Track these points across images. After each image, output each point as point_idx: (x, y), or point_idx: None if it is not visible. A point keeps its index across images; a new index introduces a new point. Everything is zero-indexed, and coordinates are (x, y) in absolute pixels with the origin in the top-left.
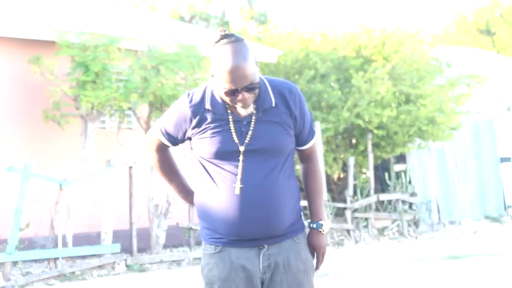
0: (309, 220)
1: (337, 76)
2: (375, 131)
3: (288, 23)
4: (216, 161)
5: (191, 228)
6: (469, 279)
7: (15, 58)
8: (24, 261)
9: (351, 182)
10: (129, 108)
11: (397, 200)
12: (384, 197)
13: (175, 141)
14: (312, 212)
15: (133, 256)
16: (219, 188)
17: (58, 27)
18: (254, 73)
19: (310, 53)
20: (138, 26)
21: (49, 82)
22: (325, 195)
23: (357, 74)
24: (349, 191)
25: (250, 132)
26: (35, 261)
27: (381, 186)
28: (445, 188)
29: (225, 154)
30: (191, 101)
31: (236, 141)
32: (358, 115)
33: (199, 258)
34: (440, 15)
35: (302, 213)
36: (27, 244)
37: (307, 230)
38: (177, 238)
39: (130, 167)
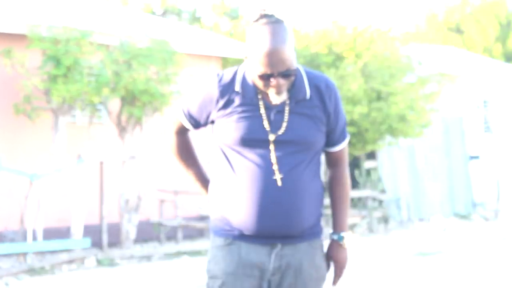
0: (331, 231)
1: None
2: (346, 128)
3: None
4: (239, 149)
5: (161, 224)
6: (438, 276)
7: None
8: None
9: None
10: (100, 103)
11: (367, 197)
12: (354, 194)
13: (196, 124)
14: (335, 222)
15: (103, 251)
16: (238, 177)
17: (29, 20)
18: (292, 58)
19: None
20: (110, 21)
21: (20, 76)
22: None
23: (329, 71)
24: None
25: (285, 123)
26: (5, 255)
27: (352, 183)
28: (414, 185)
29: (251, 141)
30: (220, 80)
31: (268, 129)
32: None
33: (170, 254)
34: (411, 13)
35: (322, 219)
36: None
37: (326, 241)
38: (147, 233)
39: (101, 162)
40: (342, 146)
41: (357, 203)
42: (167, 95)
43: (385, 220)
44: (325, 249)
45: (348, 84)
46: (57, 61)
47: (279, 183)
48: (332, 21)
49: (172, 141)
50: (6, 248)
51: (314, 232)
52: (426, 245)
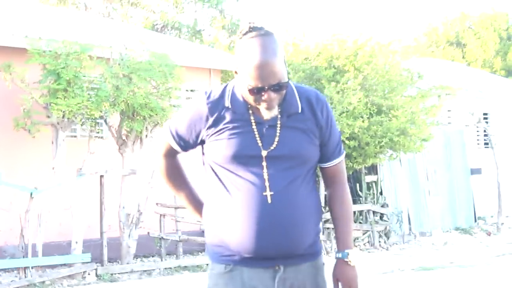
0: (335, 250)
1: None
2: (347, 142)
3: None
4: (231, 167)
5: (162, 238)
6: None
7: None
8: None
9: (322, 192)
10: (101, 117)
11: (368, 211)
12: (355, 208)
13: (186, 145)
14: (338, 241)
15: (103, 265)
16: (232, 197)
17: (29, 34)
18: (283, 71)
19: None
20: (110, 35)
21: (20, 90)
22: None
23: (329, 85)
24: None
25: (276, 137)
26: (5, 270)
27: (353, 196)
28: (416, 199)
29: (244, 158)
30: (209, 97)
31: (260, 144)
32: None
33: (170, 268)
34: (411, 27)
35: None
36: None
37: (326, 258)
38: (148, 247)
39: (101, 176)
40: (337, 161)
41: (358, 217)
42: (167, 109)
43: (386, 234)
44: (331, 268)
45: (348, 98)
46: (57, 75)
47: (269, 200)
48: (332, 34)
49: (160, 163)
50: (6, 263)
51: (315, 252)
52: (428, 260)
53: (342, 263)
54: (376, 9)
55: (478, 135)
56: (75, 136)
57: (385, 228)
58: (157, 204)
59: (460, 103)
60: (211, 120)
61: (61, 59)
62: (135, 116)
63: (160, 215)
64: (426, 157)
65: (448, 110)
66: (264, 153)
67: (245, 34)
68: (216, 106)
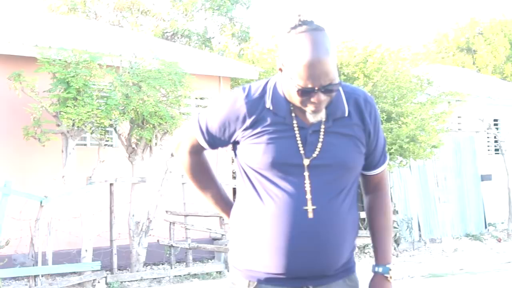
0: (373, 263)
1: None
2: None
3: (269, 40)
4: (267, 173)
5: (171, 246)
6: None
7: None
8: (4, 279)
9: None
10: (110, 125)
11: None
12: (363, 214)
13: (215, 143)
14: (378, 253)
15: (113, 273)
16: (266, 207)
17: (39, 43)
18: (335, 71)
19: None
20: (120, 43)
21: (30, 99)
22: None
23: None
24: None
25: (319, 144)
26: (15, 278)
27: (362, 203)
28: (426, 205)
29: (283, 166)
30: (248, 95)
31: (302, 152)
32: None
33: (180, 276)
34: (421, 33)
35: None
36: (6, 261)
37: (358, 272)
38: (157, 255)
39: (111, 184)
40: (383, 168)
41: (367, 224)
42: (177, 117)
43: (396, 241)
44: (367, 283)
45: None
46: (67, 84)
47: (310, 215)
48: (341, 41)
49: (184, 160)
50: (17, 271)
51: (348, 268)
52: (438, 266)
53: (382, 278)
54: (386, 16)
55: (488, 141)
56: (85, 145)
57: (395, 235)
58: (166, 212)
59: (470, 109)
60: (249, 121)
61: (71, 68)
62: (144, 124)
63: (170, 223)
64: (436, 164)
65: (458, 117)
66: (306, 161)
67: (294, 28)
68: (255, 106)
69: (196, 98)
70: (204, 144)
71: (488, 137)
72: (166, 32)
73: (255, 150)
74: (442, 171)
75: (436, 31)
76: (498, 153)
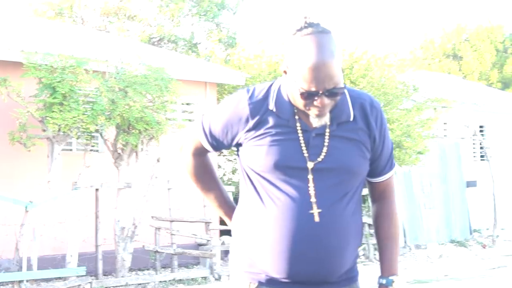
0: (379, 275)
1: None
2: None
3: (256, 46)
4: (270, 176)
5: (157, 251)
6: None
7: None
8: None
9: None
10: (96, 130)
11: (363, 224)
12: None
13: (218, 145)
14: (384, 264)
15: (98, 279)
16: (268, 211)
17: (25, 48)
18: (339, 75)
19: (278, 76)
20: (106, 48)
21: (15, 104)
22: None
23: None
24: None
25: (324, 148)
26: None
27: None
28: (411, 212)
29: (286, 169)
30: (251, 97)
31: (306, 155)
32: None
33: (165, 281)
34: (407, 40)
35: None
36: None
37: (363, 283)
38: (143, 261)
39: (97, 190)
40: (389, 176)
41: None
42: (163, 122)
43: None
44: None
45: None
46: (53, 89)
47: (317, 218)
48: None
49: (188, 162)
50: (1, 276)
51: (351, 277)
52: (423, 272)
53: None
54: (372, 22)
55: (474, 148)
56: (70, 150)
57: None
58: (152, 217)
59: (456, 115)
60: (251, 122)
61: (57, 73)
62: (130, 129)
63: (155, 228)
64: (422, 170)
65: (444, 123)
66: (310, 165)
67: (299, 30)
68: (258, 108)
69: (182, 104)
70: (207, 146)
71: (473, 144)
72: (153, 38)
73: (257, 152)
74: (427, 177)
75: (423, 37)
76: (483, 160)
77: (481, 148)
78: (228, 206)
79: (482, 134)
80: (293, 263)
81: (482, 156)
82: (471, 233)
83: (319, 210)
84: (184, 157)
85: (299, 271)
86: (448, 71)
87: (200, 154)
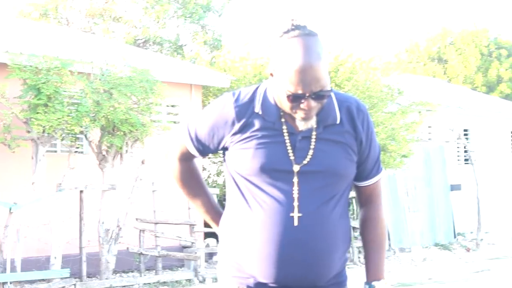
0: (364, 281)
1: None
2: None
3: (241, 49)
4: (256, 180)
5: (141, 253)
6: None
7: None
8: None
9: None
10: (81, 132)
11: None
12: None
13: (204, 150)
14: (369, 269)
15: (82, 281)
16: (254, 214)
17: (10, 49)
18: (326, 78)
19: (263, 79)
20: (91, 50)
21: (0, 105)
22: None
23: None
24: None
25: (310, 151)
26: None
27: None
28: (395, 215)
29: (272, 172)
30: (237, 100)
31: (292, 158)
32: None
33: (149, 284)
34: (392, 43)
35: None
36: None
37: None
38: (127, 263)
39: (81, 191)
40: (376, 179)
41: None
42: (148, 124)
43: None
44: None
45: None
46: (37, 91)
47: (296, 222)
48: None
49: (174, 167)
50: None
51: (340, 282)
52: (406, 276)
53: None
54: (358, 25)
55: (458, 151)
56: (55, 151)
57: None
58: (136, 219)
59: (440, 119)
60: (237, 125)
61: (42, 74)
62: (115, 131)
63: (140, 230)
64: (406, 173)
65: (429, 126)
66: (296, 168)
67: (286, 32)
68: (244, 111)
69: (167, 106)
70: (193, 151)
71: (458, 147)
72: (138, 39)
73: (243, 155)
74: (412, 181)
75: (408, 40)
76: (468, 163)
77: (466, 151)
78: (215, 211)
79: (466, 138)
80: (280, 267)
81: (466, 160)
82: (455, 237)
83: (299, 214)
84: (170, 163)
85: (286, 275)
86: (433, 74)
87: (186, 159)
